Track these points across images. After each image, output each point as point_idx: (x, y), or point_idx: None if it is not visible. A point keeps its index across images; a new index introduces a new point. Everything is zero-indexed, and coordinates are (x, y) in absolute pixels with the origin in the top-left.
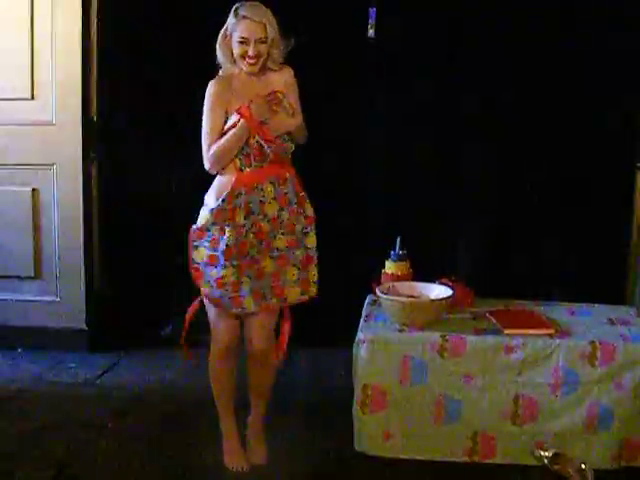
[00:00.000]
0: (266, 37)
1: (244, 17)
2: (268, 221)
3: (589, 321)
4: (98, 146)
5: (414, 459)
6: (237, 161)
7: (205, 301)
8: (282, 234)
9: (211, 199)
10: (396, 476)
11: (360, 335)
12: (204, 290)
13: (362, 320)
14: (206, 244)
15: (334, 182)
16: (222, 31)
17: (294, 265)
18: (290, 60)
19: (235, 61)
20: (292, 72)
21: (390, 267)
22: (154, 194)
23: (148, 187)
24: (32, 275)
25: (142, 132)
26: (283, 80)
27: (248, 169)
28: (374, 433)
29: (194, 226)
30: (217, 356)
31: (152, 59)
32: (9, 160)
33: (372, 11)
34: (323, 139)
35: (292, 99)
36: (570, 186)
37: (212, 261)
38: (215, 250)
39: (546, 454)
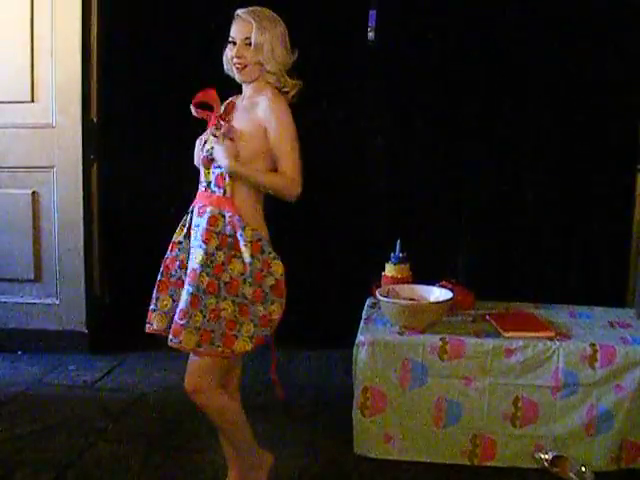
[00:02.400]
0: (249, 38)
1: (236, 16)
2: (187, 252)
3: (589, 323)
4: (98, 149)
5: (414, 462)
6: None
7: None
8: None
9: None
10: (396, 479)
11: (360, 338)
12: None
13: (362, 323)
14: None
15: (334, 184)
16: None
17: (201, 312)
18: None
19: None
20: (279, 102)
21: (390, 270)
22: (154, 195)
23: (148, 189)
24: (32, 278)
25: (142, 134)
26: (263, 107)
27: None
28: (374, 435)
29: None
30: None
31: (152, 61)
32: (9, 163)
33: (372, 14)
34: (323, 142)
35: (272, 135)
36: (570, 188)
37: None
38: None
39: (546, 457)
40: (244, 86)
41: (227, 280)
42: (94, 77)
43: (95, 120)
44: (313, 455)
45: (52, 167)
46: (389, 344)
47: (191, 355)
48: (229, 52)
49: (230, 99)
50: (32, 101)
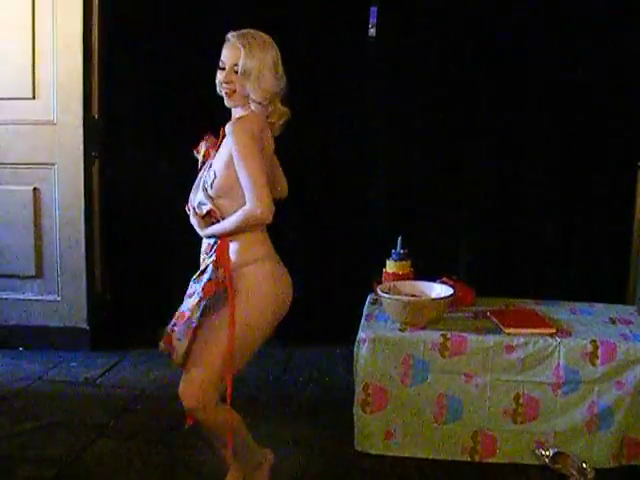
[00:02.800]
0: (237, 65)
1: (227, 40)
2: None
3: (590, 320)
4: (99, 146)
5: (415, 458)
6: None
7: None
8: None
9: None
10: (397, 475)
11: (361, 334)
12: None
13: (363, 319)
14: None
15: (335, 181)
16: None
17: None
18: (290, 59)
19: None
20: (237, 125)
21: (391, 266)
22: (155, 193)
23: (149, 186)
24: (33, 274)
25: (144, 131)
26: (228, 136)
27: None
28: (375, 432)
29: None
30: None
31: (153, 58)
32: (10, 159)
33: (373, 10)
34: (324, 138)
35: (235, 162)
36: (571, 185)
37: None
38: None
39: (547, 453)
40: (233, 109)
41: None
42: (95, 74)
43: (96, 117)
44: (314, 451)
45: (53, 164)
46: (390, 341)
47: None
48: (219, 75)
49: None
50: (33, 98)
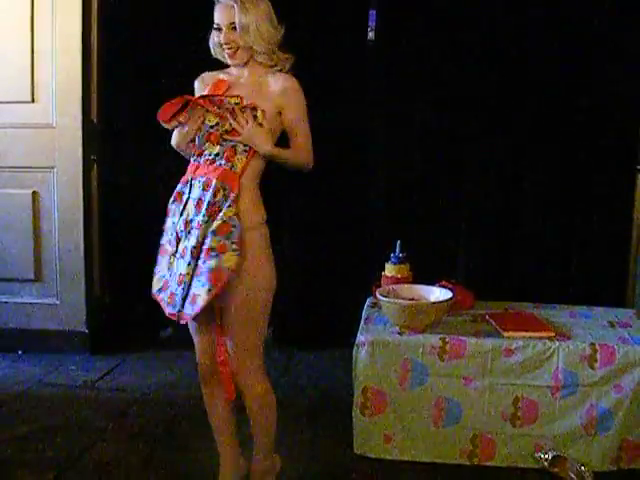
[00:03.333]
0: (234, 22)
1: (218, 1)
2: (184, 222)
3: (589, 323)
4: (98, 149)
5: (414, 461)
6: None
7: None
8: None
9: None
10: (396, 479)
11: (360, 338)
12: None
13: (362, 323)
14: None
15: (334, 184)
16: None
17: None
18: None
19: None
20: (294, 82)
21: (390, 270)
22: (154, 196)
23: (148, 190)
24: (32, 278)
25: (143, 135)
26: (279, 90)
27: (192, 160)
28: (374, 435)
29: None
30: (200, 380)
31: (153, 60)
32: (9, 163)
33: (372, 14)
34: (323, 141)
35: (291, 116)
36: (571, 188)
37: (161, 252)
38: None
39: (546, 456)
40: (236, 68)
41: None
42: (94, 78)
43: (95, 121)
44: (313, 455)
45: (52, 167)
46: (389, 344)
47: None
48: (216, 38)
49: (214, 76)
50: (32, 101)
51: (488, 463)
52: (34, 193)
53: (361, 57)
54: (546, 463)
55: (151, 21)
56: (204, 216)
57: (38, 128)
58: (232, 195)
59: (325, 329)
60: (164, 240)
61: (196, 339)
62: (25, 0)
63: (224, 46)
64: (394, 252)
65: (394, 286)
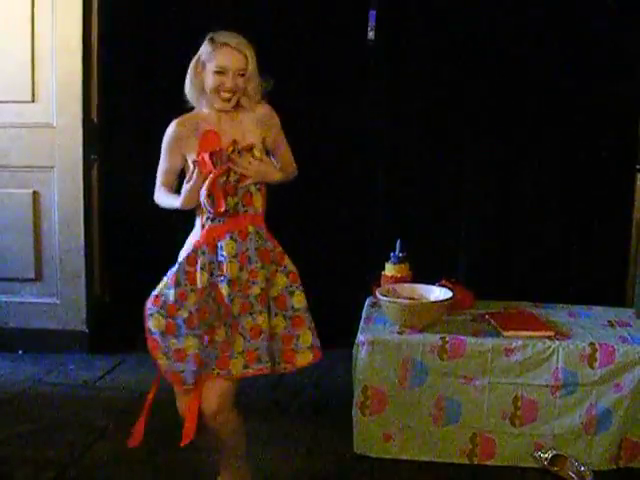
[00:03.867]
0: (245, 70)
1: (224, 44)
2: (227, 283)
3: (589, 323)
4: (99, 148)
5: (414, 461)
6: (201, 216)
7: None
8: (238, 297)
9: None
10: (395, 478)
11: (360, 337)
12: (160, 364)
13: (362, 322)
14: (162, 311)
15: (335, 184)
16: (193, 62)
17: (241, 334)
18: (290, 62)
19: (203, 98)
20: (267, 107)
21: (390, 269)
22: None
23: (149, 189)
24: (32, 277)
25: (143, 134)
26: (257, 120)
27: (210, 223)
28: (374, 435)
29: (153, 292)
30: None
31: (153, 60)
32: (10, 162)
33: (372, 14)
34: (324, 141)
35: (274, 138)
36: (571, 188)
37: (170, 330)
38: (174, 318)
39: (545, 456)
40: (214, 111)
41: (275, 295)
42: (95, 77)
43: (95, 120)
44: (313, 454)
45: (52, 167)
46: (389, 343)
47: (210, 381)
48: (213, 82)
49: (196, 123)
50: (33, 101)
51: (488, 462)
52: (34, 193)
53: (361, 57)
54: (546, 462)
55: (151, 21)
56: (257, 263)
57: (38, 128)
58: (265, 233)
59: (325, 328)
60: (182, 314)
61: (184, 400)
62: None
63: (225, 92)
64: (394, 251)
65: (394, 285)
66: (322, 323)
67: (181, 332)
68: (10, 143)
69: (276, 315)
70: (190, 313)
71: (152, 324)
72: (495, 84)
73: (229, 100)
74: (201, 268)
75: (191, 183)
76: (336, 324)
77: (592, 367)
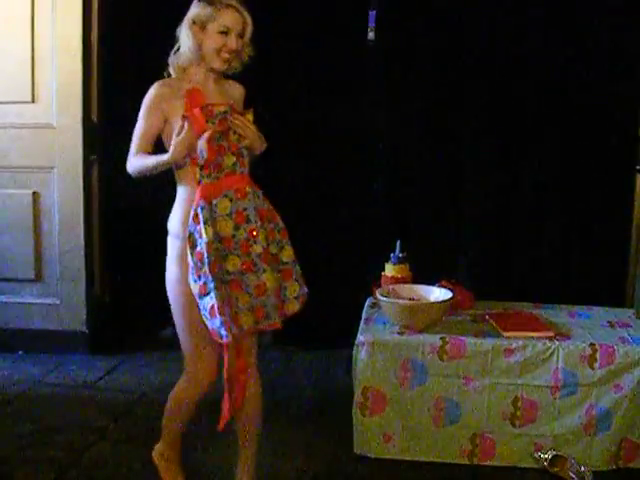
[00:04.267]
0: (244, 32)
1: (228, 6)
2: (219, 241)
3: (589, 323)
4: (99, 149)
5: (413, 461)
6: (195, 172)
7: (187, 338)
8: (237, 255)
9: (176, 224)
10: (395, 478)
11: (360, 338)
12: (208, 325)
13: (362, 323)
14: (193, 276)
15: (334, 184)
16: (187, 24)
17: (245, 291)
18: (289, 62)
19: (197, 60)
20: (241, 87)
21: (390, 270)
22: (154, 196)
23: (149, 189)
24: (33, 278)
25: None
26: (238, 94)
27: (207, 180)
28: (374, 435)
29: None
30: (194, 397)
31: (153, 61)
32: (10, 163)
33: (372, 14)
34: (324, 142)
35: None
36: (570, 188)
37: (203, 291)
38: (201, 278)
39: (545, 456)
40: (198, 75)
41: (274, 252)
42: (95, 77)
43: (96, 120)
44: (313, 455)
45: (52, 167)
46: (389, 344)
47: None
48: (215, 43)
49: (179, 84)
50: (33, 101)
51: (488, 463)
52: (34, 193)
53: (361, 57)
54: (546, 463)
55: (151, 20)
56: (257, 222)
57: (38, 128)
58: (261, 194)
59: (325, 329)
60: (195, 273)
61: (207, 361)
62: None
63: (224, 52)
64: (394, 252)
65: (394, 286)
66: (322, 324)
67: (209, 288)
68: (10, 143)
69: (264, 271)
70: (209, 264)
71: (196, 292)
72: (495, 84)
73: (228, 61)
74: (204, 222)
75: (182, 135)
76: (336, 325)
77: (592, 368)
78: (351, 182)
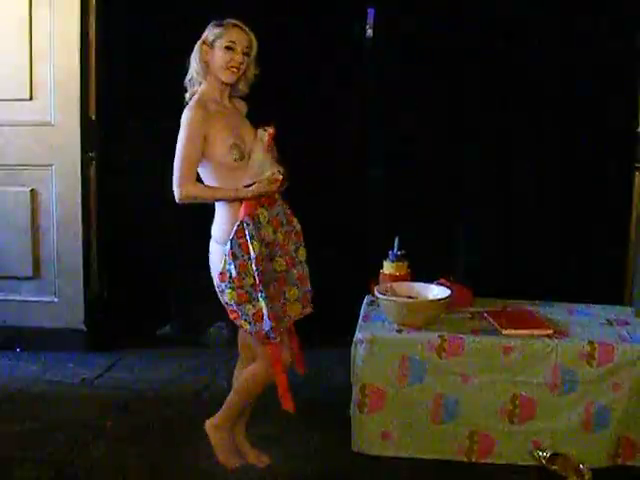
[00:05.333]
0: (250, 50)
1: (234, 25)
2: (266, 246)
3: (587, 321)
4: (97, 146)
5: (412, 458)
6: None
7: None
8: (279, 256)
9: (221, 234)
10: (394, 476)
11: (358, 335)
12: (246, 329)
13: (360, 320)
14: (231, 284)
15: (333, 183)
16: (198, 45)
17: (293, 284)
18: (288, 60)
19: (207, 75)
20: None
21: (388, 267)
22: (153, 194)
23: (146, 187)
24: (30, 275)
25: (141, 132)
26: (244, 111)
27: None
28: (372, 433)
29: (217, 271)
30: (273, 378)
31: (151, 59)
32: (8, 161)
33: (370, 12)
34: (321, 140)
35: None
36: (570, 186)
37: (244, 299)
38: (242, 288)
39: (544, 454)
40: (222, 98)
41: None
42: (93, 75)
43: (93, 118)
44: (311, 452)
45: (50, 165)
46: (387, 342)
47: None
48: (222, 59)
49: (215, 108)
50: (30, 99)
51: (486, 460)
52: (32, 191)
53: (359, 55)
54: (544, 460)
55: (150, 18)
56: (287, 225)
57: (36, 126)
58: (282, 200)
59: (323, 326)
60: (237, 283)
61: (282, 345)
62: None
63: (232, 67)
64: (392, 250)
65: (392, 284)
66: (320, 321)
67: (252, 297)
68: (8, 141)
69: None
70: (254, 279)
71: (227, 298)
72: (495, 83)
73: (236, 73)
74: (250, 238)
75: (265, 186)
76: (334, 322)
77: (591, 365)
78: (350, 181)
